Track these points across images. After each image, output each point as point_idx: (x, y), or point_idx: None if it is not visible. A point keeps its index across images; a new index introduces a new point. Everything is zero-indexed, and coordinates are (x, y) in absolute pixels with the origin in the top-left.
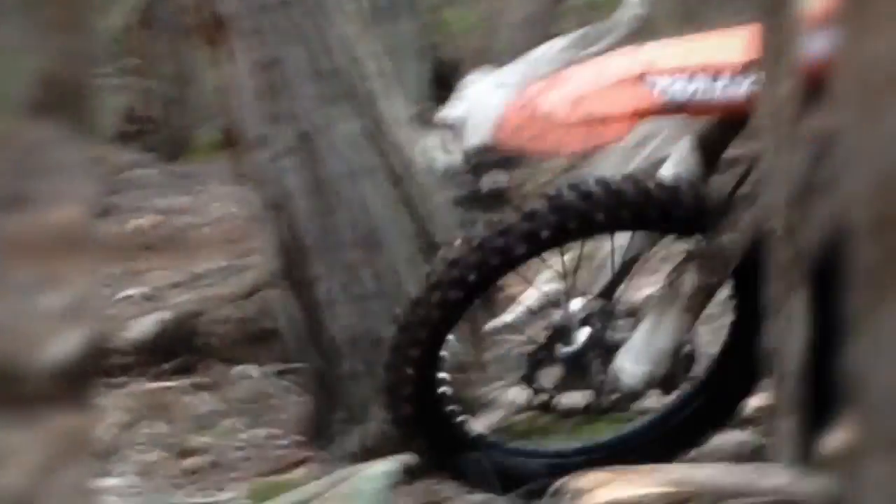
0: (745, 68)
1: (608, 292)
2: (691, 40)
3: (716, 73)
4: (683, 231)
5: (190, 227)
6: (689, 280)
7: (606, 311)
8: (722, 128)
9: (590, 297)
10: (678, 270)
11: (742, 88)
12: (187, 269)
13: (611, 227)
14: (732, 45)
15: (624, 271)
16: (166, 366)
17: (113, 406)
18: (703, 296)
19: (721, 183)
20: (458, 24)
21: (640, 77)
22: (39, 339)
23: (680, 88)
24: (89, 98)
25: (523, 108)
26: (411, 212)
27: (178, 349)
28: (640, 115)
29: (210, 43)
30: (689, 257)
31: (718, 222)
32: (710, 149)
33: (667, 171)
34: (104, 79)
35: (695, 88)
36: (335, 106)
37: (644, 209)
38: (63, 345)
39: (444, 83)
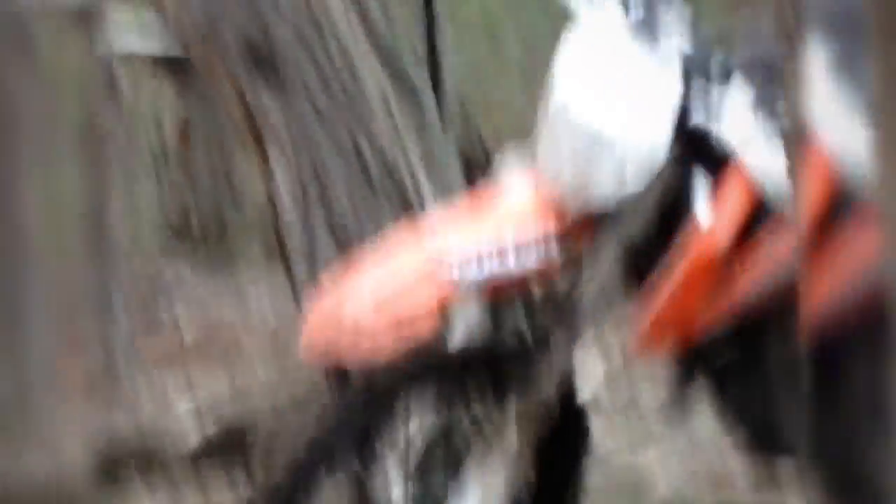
0: (531, 239)
1: (421, 473)
2: (475, 221)
3: (503, 249)
4: (493, 393)
5: (236, 338)
6: (512, 439)
7: (424, 493)
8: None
9: (402, 483)
10: (497, 432)
11: (532, 258)
12: (234, 381)
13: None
14: (515, 218)
15: (433, 448)
16: (212, 477)
17: None
18: (530, 452)
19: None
20: (492, 130)
21: (435, 268)
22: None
23: (475, 271)
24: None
25: (326, 324)
26: None
27: (226, 461)
28: (445, 305)
29: (253, 155)
30: (510, 416)
31: (529, 374)
32: (500, 307)
33: (458, 338)
34: (147, 193)
35: (489, 268)
36: (373, 215)
37: (445, 380)
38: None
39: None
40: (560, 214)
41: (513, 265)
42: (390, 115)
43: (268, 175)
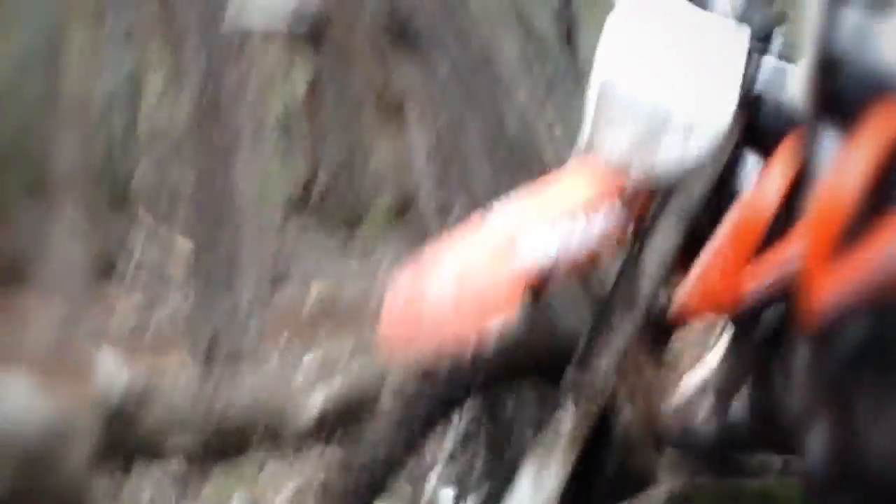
0: (596, 205)
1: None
2: (541, 194)
3: (574, 219)
4: (546, 374)
5: (363, 294)
6: (566, 415)
7: (465, 475)
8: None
9: (443, 465)
10: (552, 409)
11: (594, 232)
12: (361, 337)
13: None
14: (580, 186)
15: (477, 429)
16: (335, 436)
17: (287, 476)
18: (585, 428)
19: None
20: None
21: (510, 243)
22: (300, 394)
23: (550, 244)
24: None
25: (407, 306)
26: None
27: (351, 418)
28: (523, 280)
29: (388, 111)
30: (561, 393)
31: (582, 353)
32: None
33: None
34: (277, 148)
35: (562, 240)
36: (510, 175)
37: (502, 363)
38: (317, 398)
39: None
40: (619, 188)
41: (576, 240)
42: (527, 73)
43: (401, 134)
